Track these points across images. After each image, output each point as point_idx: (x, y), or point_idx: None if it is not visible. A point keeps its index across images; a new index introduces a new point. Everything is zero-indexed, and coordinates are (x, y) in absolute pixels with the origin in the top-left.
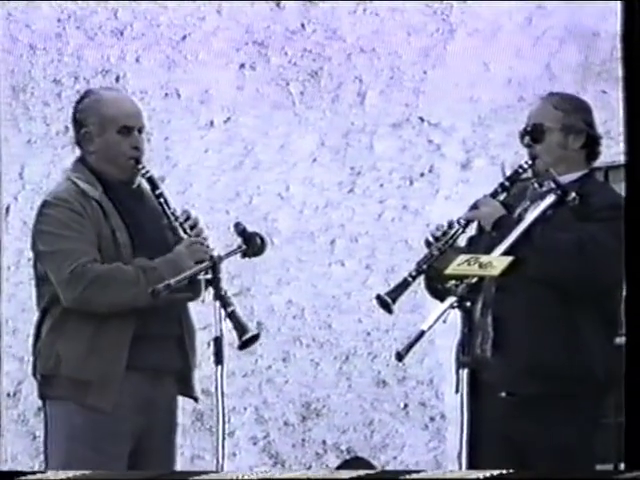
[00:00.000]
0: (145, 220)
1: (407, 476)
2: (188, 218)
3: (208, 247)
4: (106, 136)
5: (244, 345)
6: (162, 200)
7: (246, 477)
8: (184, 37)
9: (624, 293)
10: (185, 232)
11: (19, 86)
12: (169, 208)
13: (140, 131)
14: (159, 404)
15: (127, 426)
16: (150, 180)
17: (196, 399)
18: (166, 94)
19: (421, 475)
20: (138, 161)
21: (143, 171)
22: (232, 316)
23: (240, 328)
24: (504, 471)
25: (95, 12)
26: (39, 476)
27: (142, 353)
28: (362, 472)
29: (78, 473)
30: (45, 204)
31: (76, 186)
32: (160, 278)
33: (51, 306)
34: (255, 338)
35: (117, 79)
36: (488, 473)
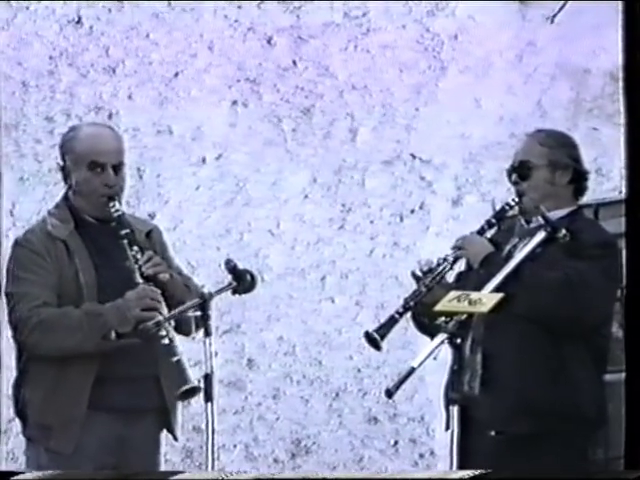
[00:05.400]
0: (119, 259)
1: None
2: (149, 260)
3: (159, 294)
4: (79, 172)
5: (183, 396)
6: (126, 241)
7: (231, 477)
8: (176, 74)
9: (612, 329)
10: (142, 276)
11: (11, 123)
12: (131, 250)
13: (116, 168)
14: (135, 443)
15: (90, 467)
16: (119, 219)
17: (175, 438)
18: (158, 131)
19: (413, 475)
20: (112, 198)
21: (113, 210)
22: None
23: (182, 378)
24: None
25: (87, 49)
26: (36, 476)
27: (108, 394)
28: (359, 474)
29: (69, 473)
30: (14, 243)
31: (44, 224)
32: (104, 324)
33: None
34: (195, 390)
35: (110, 116)
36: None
